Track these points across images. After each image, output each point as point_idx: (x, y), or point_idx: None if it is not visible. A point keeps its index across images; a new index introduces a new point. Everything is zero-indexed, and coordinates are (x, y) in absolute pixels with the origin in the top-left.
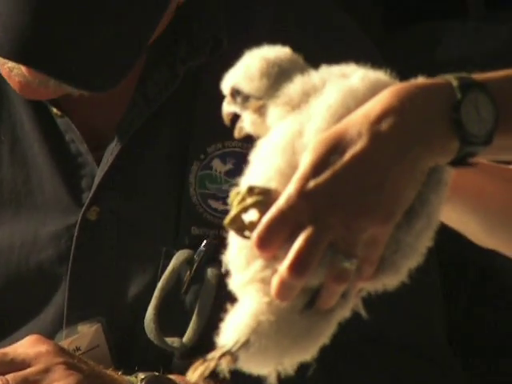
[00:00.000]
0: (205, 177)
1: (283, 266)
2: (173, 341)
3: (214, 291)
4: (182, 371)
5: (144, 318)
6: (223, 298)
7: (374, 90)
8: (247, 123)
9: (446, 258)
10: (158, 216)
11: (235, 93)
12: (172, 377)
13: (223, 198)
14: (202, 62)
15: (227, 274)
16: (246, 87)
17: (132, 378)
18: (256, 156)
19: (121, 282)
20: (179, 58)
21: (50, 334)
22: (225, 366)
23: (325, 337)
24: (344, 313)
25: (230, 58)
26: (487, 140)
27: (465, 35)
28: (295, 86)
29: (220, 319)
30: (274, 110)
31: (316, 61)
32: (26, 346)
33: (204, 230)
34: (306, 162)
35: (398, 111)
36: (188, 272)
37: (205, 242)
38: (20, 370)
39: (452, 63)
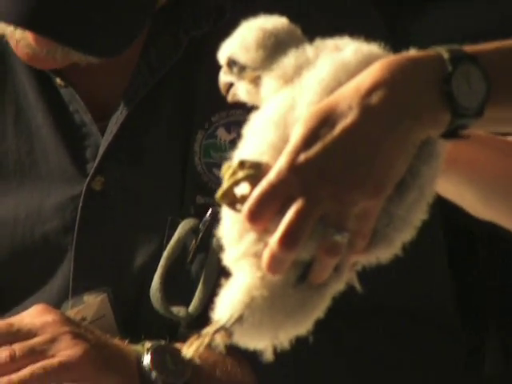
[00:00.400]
0: (209, 146)
1: (273, 239)
2: (178, 310)
3: (220, 260)
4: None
5: (150, 287)
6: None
7: (366, 63)
8: (242, 92)
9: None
10: (162, 185)
11: (231, 63)
12: (178, 346)
13: None
14: (205, 32)
15: None
16: (242, 58)
17: (138, 347)
18: (249, 130)
19: (126, 251)
20: (183, 27)
21: (56, 305)
22: (220, 342)
23: (319, 310)
24: (338, 286)
25: (233, 28)
26: (478, 112)
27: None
28: (289, 60)
29: None
30: (269, 82)
31: (319, 31)
32: (33, 315)
33: (209, 198)
34: (296, 135)
35: (388, 84)
36: (193, 241)
37: (210, 210)
38: (26, 339)
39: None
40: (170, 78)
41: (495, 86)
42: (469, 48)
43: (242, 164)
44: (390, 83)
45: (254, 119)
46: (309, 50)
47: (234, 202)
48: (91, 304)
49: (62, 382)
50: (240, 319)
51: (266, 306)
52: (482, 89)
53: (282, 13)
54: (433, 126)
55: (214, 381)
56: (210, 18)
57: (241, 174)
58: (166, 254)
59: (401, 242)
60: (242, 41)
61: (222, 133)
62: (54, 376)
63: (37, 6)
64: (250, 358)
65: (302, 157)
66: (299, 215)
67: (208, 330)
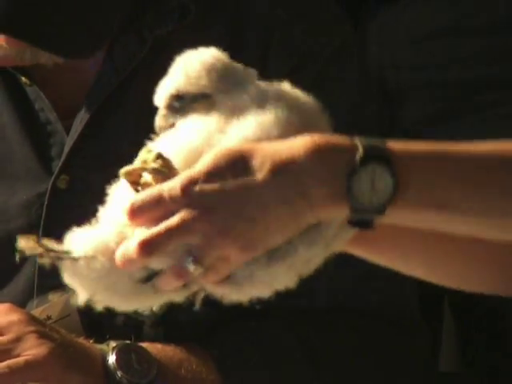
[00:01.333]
0: None
1: (133, 240)
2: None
3: None
4: (153, 339)
5: None
6: None
7: (304, 121)
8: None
9: None
10: None
11: (177, 99)
12: (143, 345)
13: None
14: (170, 30)
15: None
16: (193, 87)
17: (103, 347)
18: (182, 127)
19: None
20: (147, 26)
21: (21, 304)
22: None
23: (144, 306)
24: (178, 297)
25: (198, 27)
26: (379, 211)
27: None
28: (240, 93)
29: None
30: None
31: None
32: None
33: None
34: (204, 163)
35: (302, 164)
36: None
37: None
38: None
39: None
40: (134, 78)
41: (405, 189)
42: (397, 145)
43: (159, 156)
44: (304, 164)
45: (192, 120)
46: (254, 90)
47: (135, 182)
48: (56, 303)
49: (27, 381)
50: (80, 260)
51: (104, 270)
52: (386, 189)
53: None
54: (326, 215)
55: (179, 379)
56: (174, 16)
57: (152, 165)
58: None
59: (252, 295)
60: (187, 72)
61: None
62: (19, 375)
63: (10, 9)
64: (215, 359)
65: (198, 187)
66: (166, 232)
67: (50, 246)
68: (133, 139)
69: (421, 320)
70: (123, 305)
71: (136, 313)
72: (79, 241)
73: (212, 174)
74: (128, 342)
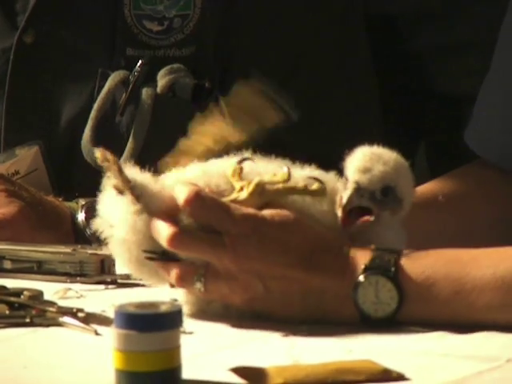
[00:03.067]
0: None
1: (171, 228)
2: None
3: (150, 111)
4: None
5: (81, 140)
6: (159, 119)
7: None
8: None
9: None
10: (93, 38)
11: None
12: None
13: (158, 19)
14: None
15: (162, 94)
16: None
17: (73, 204)
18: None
19: (57, 103)
20: None
21: None
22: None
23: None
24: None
25: None
26: (387, 320)
27: None
28: None
29: (157, 141)
30: None
31: None
32: None
33: (139, 51)
34: (282, 215)
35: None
36: (124, 94)
37: (140, 62)
38: None
39: None
40: None
41: (410, 301)
42: (406, 258)
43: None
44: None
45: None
46: None
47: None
48: (24, 157)
49: None
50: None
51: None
52: (392, 301)
53: None
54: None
55: None
56: None
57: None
58: (96, 105)
59: None
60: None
61: None
62: None
63: None
64: None
65: (262, 228)
66: (203, 244)
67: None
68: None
69: None
70: (131, 267)
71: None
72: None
73: (277, 227)
74: (96, 199)
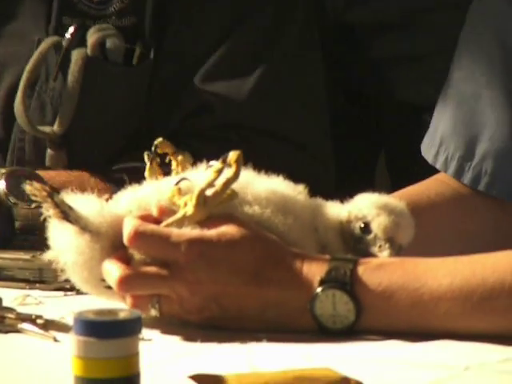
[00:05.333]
0: None
1: (117, 272)
2: (44, 128)
3: (81, 73)
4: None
5: None
6: (91, 83)
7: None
8: None
9: None
10: (29, 6)
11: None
12: (41, 172)
13: None
14: None
15: (94, 57)
16: None
17: None
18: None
19: None
20: None
21: None
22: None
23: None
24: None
25: None
26: (346, 332)
27: None
28: None
29: (88, 106)
30: None
31: None
32: None
33: (77, 20)
34: (223, 231)
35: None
36: (56, 59)
37: (72, 28)
38: None
39: None
40: None
41: (368, 312)
42: (361, 269)
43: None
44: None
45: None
46: None
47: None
48: None
49: None
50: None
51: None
52: (349, 313)
53: None
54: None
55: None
56: None
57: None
58: (27, 67)
59: None
60: None
61: None
62: None
63: None
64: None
65: (204, 251)
66: (151, 280)
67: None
68: None
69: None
70: (83, 287)
71: (36, 130)
72: (89, 212)
73: (224, 247)
74: (17, 168)
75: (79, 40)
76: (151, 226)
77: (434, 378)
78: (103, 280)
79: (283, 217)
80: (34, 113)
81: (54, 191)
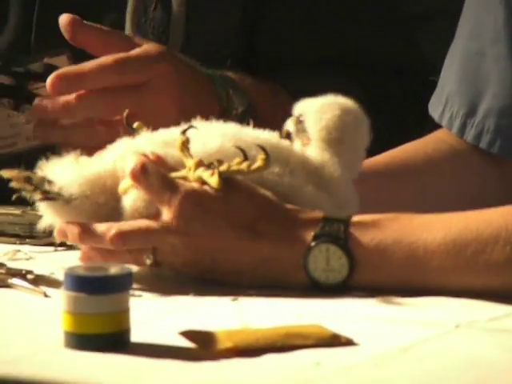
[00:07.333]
0: None
1: (113, 229)
2: None
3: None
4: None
5: None
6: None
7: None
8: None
9: None
10: None
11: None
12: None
13: None
14: None
15: None
16: None
17: None
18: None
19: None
20: None
21: None
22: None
23: None
24: None
25: None
26: (339, 287)
27: None
28: None
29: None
30: None
31: None
32: None
33: None
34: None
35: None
36: None
37: None
38: None
39: None
40: None
41: (361, 267)
42: (354, 224)
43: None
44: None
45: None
46: None
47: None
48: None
49: None
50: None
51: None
52: (342, 268)
53: None
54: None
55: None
56: None
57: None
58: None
59: None
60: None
61: None
62: None
63: None
64: None
65: (199, 203)
66: (145, 232)
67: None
68: None
69: None
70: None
71: None
72: (70, 179)
73: (220, 200)
74: None
75: None
76: (158, 167)
77: (424, 335)
78: None
79: (278, 168)
80: None
81: (30, 172)
